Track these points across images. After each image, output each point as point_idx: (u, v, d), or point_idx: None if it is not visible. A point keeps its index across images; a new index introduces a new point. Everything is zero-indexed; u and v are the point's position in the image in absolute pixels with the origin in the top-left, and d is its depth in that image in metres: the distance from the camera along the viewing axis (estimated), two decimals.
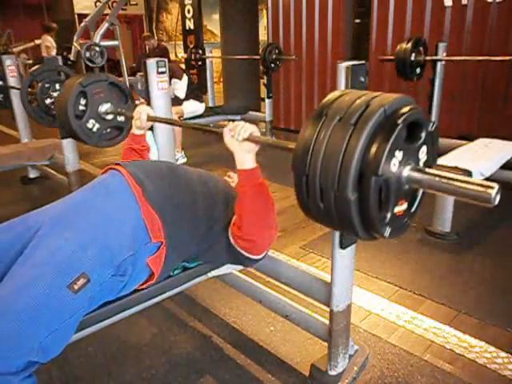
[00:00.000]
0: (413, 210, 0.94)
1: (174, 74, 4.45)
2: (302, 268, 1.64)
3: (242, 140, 1.16)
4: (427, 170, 0.84)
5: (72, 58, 2.58)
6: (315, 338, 1.58)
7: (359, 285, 2.09)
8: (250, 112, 5.16)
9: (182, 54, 9.96)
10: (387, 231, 0.85)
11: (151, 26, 11.88)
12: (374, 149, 0.77)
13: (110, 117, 2.01)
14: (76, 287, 1.02)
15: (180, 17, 10.49)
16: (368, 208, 0.79)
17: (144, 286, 1.27)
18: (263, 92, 5.45)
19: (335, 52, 4.98)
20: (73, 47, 2.53)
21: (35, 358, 0.97)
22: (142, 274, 1.23)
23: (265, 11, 7.87)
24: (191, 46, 10.06)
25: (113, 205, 1.20)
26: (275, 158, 3.94)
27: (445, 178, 0.79)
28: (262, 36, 7.76)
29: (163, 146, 2.12)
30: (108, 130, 2.07)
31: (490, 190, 0.73)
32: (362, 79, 1.27)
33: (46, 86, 2.74)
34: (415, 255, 2.40)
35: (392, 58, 3.45)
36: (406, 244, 2.51)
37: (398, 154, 0.81)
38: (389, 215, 0.84)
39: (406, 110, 0.81)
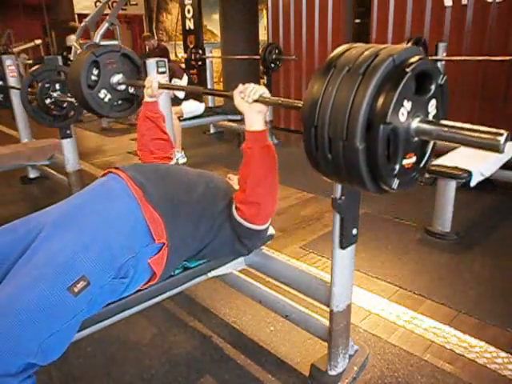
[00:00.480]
0: (422, 164, 0.94)
1: (174, 74, 4.46)
2: (302, 268, 1.64)
3: (251, 101, 1.19)
4: (435, 121, 0.85)
5: (72, 58, 2.59)
6: (315, 337, 1.58)
7: (359, 285, 2.09)
8: None
9: (182, 54, 9.95)
10: (395, 183, 0.85)
11: (151, 25, 11.88)
12: (382, 97, 0.78)
13: (121, 88, 2.04)
14: (76, 290, 1.02)
15: (180, 17, 10.49)
16: (376, 157, 0.79)
17: (146, 287, 1.27)
18: None
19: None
20: (73, 47, 2.53)
21: (34, 359, 0.97)
22: (144, 275, 1.23)
23: (265, 11, 7.87)
24: (191, 45, 10.07)
25: (114, 207, 1.21)
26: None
27: (454, 127, 0.80)
28: (262, 36, 7.76)
29: None
30: (119, 102, 2.10)
31: (498, 137, 0.73)
32: None
33: (46, 85, 2.74)
34: (415, 255, 2.40)
35: None
36: (406, 244, 2.51)
37: (407, 105, 0.81)
38: (397, 167, 0.85)
39: (415, 59, 0.81)
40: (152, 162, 1.63)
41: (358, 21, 5.13)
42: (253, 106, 1.20)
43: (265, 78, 5.03)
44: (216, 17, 8.64)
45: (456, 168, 2.44)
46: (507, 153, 2.72)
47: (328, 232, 2.61)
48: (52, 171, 3.62)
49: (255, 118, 1.22)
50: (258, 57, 5.00)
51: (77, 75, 1.92)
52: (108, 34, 2.79)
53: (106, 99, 2.02)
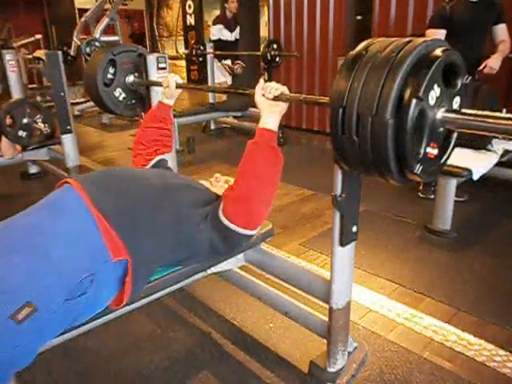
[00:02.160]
0: (442, 160, 0.96)
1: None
2: (302, 265, 1.65)
3: (272, 97, 1.18)
4: (462, 110, 0.88)
5: (72, 53, 2.58)
6: (314, 334, 1.58)
7: (359, 282, 2.09)
8: (251, 108, 5.15)
9: (182, 50, 9.92)
10: (418, 168, 0.86)
11: (152, 21, 11.84)
12: (415, 77, 0.79)
13: (136, 87, 2.05)
14: (20, 317, 0.89)
15: (181, 12, 10.46)
16: (405, 133, 0.80)
17: (115, 305, 1.17)
18: None
19: (336, 49, 4.97)
20: (73, 42, 2.52)
21: None
22: (108, 294, 1.13)
23: (266, 7, 7.83)
24: (192, 41, 10.05)
25: (65, 224, 1.08)
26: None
27: (479, 116, 0.82)
28: (263, 32, 7.74)
29: None
30: (133, 101, 2.11)
31: None
32: None
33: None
34: (415, 253, 2.40)
35: None
36: (405, 242, 2.51)
37: (437, 90, 0.83)
38: (422, 151, 0.86)
39: (445, 48, 0.84)
40: (144, 157, 1.60)
41: (359, 17, 5.11)
42: (272, 104, 1.20)
43: (265, 74, 5.01)
44: (217, 13, 8.61)
45: (457, 167, 2.44)
46: (500, 151, 2.75)
47: (328, 229, 2.61)
48: (52, 167, 3.62)
49: (272, 117, 1.21)
50: (259, 53, 4.98)
51: (93, 72, 1.94)
52: (109, 30, 2.78)
53: (121, 98, 2.05)
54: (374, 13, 4.55)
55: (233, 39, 5.73)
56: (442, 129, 0.89)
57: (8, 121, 3.04)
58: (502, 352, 1.62)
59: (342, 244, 1.32)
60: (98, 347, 1.71)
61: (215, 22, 5.96)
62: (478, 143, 2.72)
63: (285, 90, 1.21)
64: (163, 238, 1.21)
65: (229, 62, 5.65)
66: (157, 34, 11.78)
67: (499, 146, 2.79)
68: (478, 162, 2.58)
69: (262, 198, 1.22)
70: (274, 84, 1.21)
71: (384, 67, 0.82)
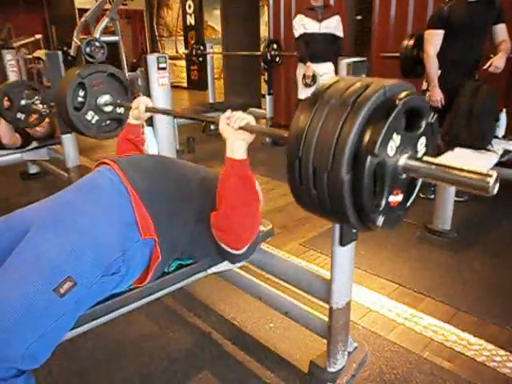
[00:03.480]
0: (408, 203, 0.92)
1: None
2: (302, 265, 1.64)
3: (237, 128, 1.16)
4: (425, 158, 0.83)
5: (72, 54, 2.58)
6: (315, 334, 1.58)
7: (359, 282, 2.09)
8: (251, 109, 5.15)
9: (182, 50, 9.93)
10: (380, 220, 0.82)
11: (152, 21, 11.84)
12: (371, 128, 0.75)
13: (109, 108, 1.99)
14: (62, 291, 0.99)
15: (181, 12, 10.47)
16: (361, 190, 0.76)
17: (138, 285, 1.24)
18: (264, 88, 5.44)
19: None
20: (73, 42, 2.52)
21: (21, 365, 0.95)
22: (136, 272, 1.20)
23: (266, 7, 7.84)
24: (192, 41, 10.05)
25: (101, 204, 1.17)
26: (275, 155, 3.94)
27: (442, 166, 0.78)
28: (263, 32, 7.74)
29: (163, 143, 2.12)
30: (107, 122, 2.06)
31: (488, 179, 0.71)
32: (363, 76, 1.27)
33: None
34: (415, 253, 2.40)
35: (396, 54, 3.44)
36: (405, 242, 2.51)
37: (396, 139, 0.78)
38: (383, 203, 0.82)
39: (406, 93, 0.79)
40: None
41: (359, 17, 5.11)
42: (237, 133, 1.17)
43: (266, 74, 5.01)
44: (217, 12, 8.61)
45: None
46: (500, 151, 2.75)
47: (328, 229, 2.61)
48: (52, 167, 3.62)
49: (237, 146, 1.18)
50: (259, 53, 4.99)
51: (62, 98, 1.87)
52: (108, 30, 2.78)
53: (94, 121, 1.97)
54: (374, 13, 4.55)
55: (320, 32, 4.04)
56: (404, 175, 0.84)
57: (6, 103, 3.00)
58: (502, 352, 1.62)
59: (342, 244, 1.32)
60: (99, 347, 1.71)
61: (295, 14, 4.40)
62: (478, 143, 2.72)
63: (250, 120, 1.17)
64: (188, 227, 1.28)
65: (316, 67, 4.03)
66: (157, 34, 11.78)
67: (499, 146, 2.79)
68: (478, 162, 2.58)
69: (242, 224, 1.25)
70: (239, 114, 1.18)
71: (340, 116, 0.77)
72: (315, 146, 0.79)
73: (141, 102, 1.59)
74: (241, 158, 1.19)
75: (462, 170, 0.75)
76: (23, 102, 3.06)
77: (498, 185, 0.71)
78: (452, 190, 2.49)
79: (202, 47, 5.90)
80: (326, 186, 0.79)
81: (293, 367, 1.59)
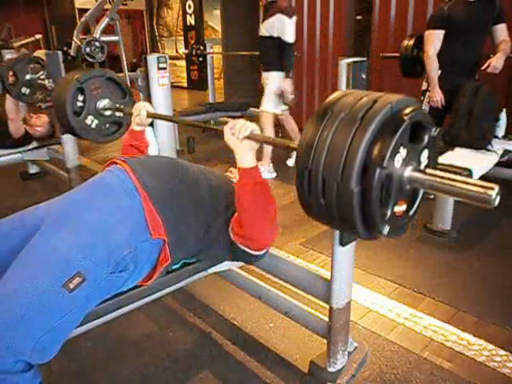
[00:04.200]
0: (411, 212, 0.95)
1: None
2: (302, 265, 1.64)
3: (242, 138, 1.16)
4: (428, 170, 0.86)
5: (72, 54, 2.57)
6: (314, 334, 1.58)
7: (359, 282, 2.09)
8: (251, 109, 5.15)
9: (182, 50, 9.92)
10: (386, 229, 0.85)
11: (152, 21, 11.83)
12: (380, 143, 0.78)
13: (108, 113, 2.00)
14: (71, 286, 1.01)
15: (181, 12, 10.46)
16: (370, 201, 0.79)
17: (145, 283, 1.27)
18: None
19: (336, 48, 4.97)
20: (73, 42, 2.52)
21: (30, 358, 0.96)
22: (144, 271, 1.23)
23: None
24: (192, 41, 10.04)
25: (112, 202, 1.20)
26: (275, 156, 3.94)
27: (446, 178, 0.81)
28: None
29: (163, 143, 2.11)
30: (107, 126, 2.06)
31: (490, 192, 0.74)
32: (364, 76, 1.27)
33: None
34: (415, 253, 2.40)
35: (396, 54, 3.43)
36: (406, 242, 2.51)
37: (402, 152, 0.82)
38: (389, 213, 0.85)
39: (411, 109, 0.83)
40: None
41: (359, 17, 5.11)
42: (243, 142, 1.17)
43: None
44: (217, 12, 8.60)
45: (456, 166, 2.44)
46: (500, 151, 2.76)
47: (328, 229, 2.60)
48: (52, 167, 3.62)
49: (246, 155, 1.19)
50: (258, 53, 4.98)
51: (62, 103, 1.88)
52: (109, 30, 2.77)
53: (93, 125, 1.98)
54: (374, 13, 4.55)
55: (263, 35, 3.55)
56: (408, 186, 0.87)
57: (10, 78, 3.00)
58: (502, 352, 1.62)
59: (342, 244, 1.33)
60: (98, 347, 1.71)
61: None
62: (478, 143, 2.73)
63: (254, 129, 1.17)
64: (196, 228, 1.30)
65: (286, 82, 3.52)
66: (157, 33, 11.77)
67: (499, 145, 2.79)
68: (478, 162, 2.58)
69: (264, 228, 1.26)
70: (242, 122, 1.17)
71: (349, 130, 0.81)
72: (325, 158, 0.83)
73: (141, 109, 1.58)
74: (251, 165, 1.20)
75: (464, 182, 0.78)
76: (28, 77, 3.05)
77: (499, 197, 0.74)
78: None
79: (202, 47, 5.89)
80: (335, 197, 0.82)
81: (293, 367, 1.59)
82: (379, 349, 1.65)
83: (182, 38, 10.73)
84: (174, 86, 9.45)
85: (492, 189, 0.74)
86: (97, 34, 2.55)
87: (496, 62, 2.74)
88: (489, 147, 2.76)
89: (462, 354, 1.61)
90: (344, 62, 1.26)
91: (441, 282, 2.10)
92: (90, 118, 1.96)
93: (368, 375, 1.53)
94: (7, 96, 3.12)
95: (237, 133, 1.16)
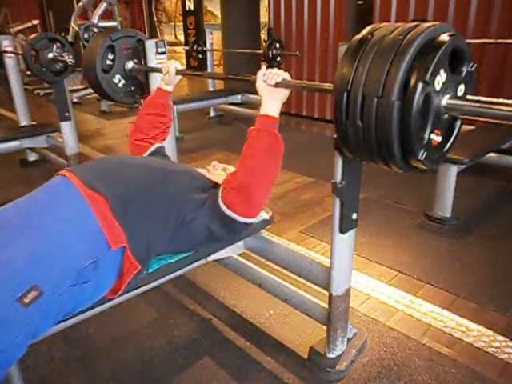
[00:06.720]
0: (446, 147, 0.95)
1: None
2: (302, 252, 1.65)
3: (274, 83, 1.18)
4: (468, 96, 0.87)
5: (70, 39, 2.55)
6: (314, 321, 1.59)
7: (359, 269, 2.10)
8: (250, 96, 5.10)
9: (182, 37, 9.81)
10: (422, 154, 0.85)
11: (150, 6, 11.67)
12: (422, 60, 0.79)
13: (135, 74, 2.04)
14: (27, 300, 0.90)
15: None
16: (410, 117, 0.79)
17: (112, 295, 1.18)
18: None
19: (337, 34, 4.91)
20: (70, 28, 2.49)
21: None
22: (108, 281, 1.14)
23: None
24: (191, 26, 9.93)
25: (64, 211, 1.09)
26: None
27: (485, 102, 0.81)
28: (263, 17, 7.64)
29: None
30: (132, 88, 2.10)
31: None
32: None
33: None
34: (415, 240, 2.40)
35: None
36: (405, 229, 2.51)
37: (443, 75, 0.82)
38: (426, 137, 0.85)
39: (452, 33, 0.84)
40: (141, 145, 1.60)
41: (360, 1, 5.03)
42: (273, 90, 1.19)
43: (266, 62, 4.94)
44: None
45: (456, 153, 2.43)
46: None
47: (328, 216, 2.61)
48: (51, 154, 3.61)
49: (273, 103, 1.21)
50: (260, 51, 4.94)
51: (92, 59, 1.92)
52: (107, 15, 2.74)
53: (120, 84, 2.03)
54: (374, 13, 4.49)
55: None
56: (446, 116, 0.88)
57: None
58: (500, 338, 1.63)
59: (342, 231, 1.32)
60: (100, 334, 1.72)
61: None
62: None
63: (286, 76, 1.20)
64: (161, 223, 1.21)
65: None
66: (155, 19, 11.63)
67: None
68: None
69: (262, 185, 1.23)
70: (275, 70, 1.21)
71: (390, 51, 0.81)
72: (365, 79, 0.83)
73: (170, 66, 1.62)
74: (275, 115, 1.21)
75: (503, 104, 0.78)
76: (50, 55, 3.05)
77: None
78: (453, 177, 2.48)
79: (202, 44, 5.77)
80: (374, 115, 0.82)
81: (293, 353, 1.60)
82: (378, 335, 1.67)
83: (181, 23, 10.61)
84: None
85: None
86: (95, 20, 2.52)
87: None
88: None
89: (461, 340, 1.62)
90: (344, 48, 1.24)
91: (440, 269, 2.10)
92: (118, 76, 2.02)
93: (367, 361, 1.55)
94: None
95: (269, 79, 1.18)
